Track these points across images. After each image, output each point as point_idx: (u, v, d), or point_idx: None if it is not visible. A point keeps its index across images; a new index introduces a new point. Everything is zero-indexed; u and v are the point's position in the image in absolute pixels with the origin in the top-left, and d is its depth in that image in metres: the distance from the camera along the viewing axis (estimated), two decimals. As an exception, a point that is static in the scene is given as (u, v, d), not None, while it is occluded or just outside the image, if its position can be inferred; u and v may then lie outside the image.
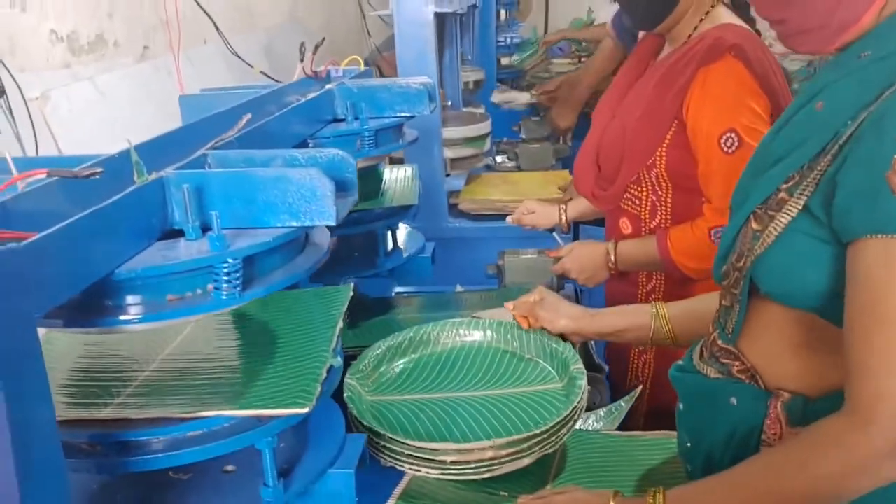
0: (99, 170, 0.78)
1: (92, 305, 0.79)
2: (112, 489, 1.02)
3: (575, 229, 2.24)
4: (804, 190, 0.86)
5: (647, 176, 1.62)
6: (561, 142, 3.13)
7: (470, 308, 1.68)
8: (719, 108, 1.50)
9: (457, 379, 1.28)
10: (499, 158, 3.01)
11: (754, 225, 0.91)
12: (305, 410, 0.87)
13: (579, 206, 1.90)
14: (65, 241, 0.70)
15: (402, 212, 1.69)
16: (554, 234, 2.00)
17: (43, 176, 0.79)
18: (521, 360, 1.31)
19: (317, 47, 1.83)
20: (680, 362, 1.09)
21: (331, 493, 1.01)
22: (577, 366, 1.23)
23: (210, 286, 0.83)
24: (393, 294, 1.94)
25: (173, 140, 1.07)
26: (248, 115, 1.10)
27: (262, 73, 3.06)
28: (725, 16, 1.60)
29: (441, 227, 2.39)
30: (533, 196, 2.44)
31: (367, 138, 1.46)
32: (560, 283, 1.80)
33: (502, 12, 4.08)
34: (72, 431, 0.84)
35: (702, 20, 1.59)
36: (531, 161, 2.89)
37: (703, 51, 1.52)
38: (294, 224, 0.87)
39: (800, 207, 0.86)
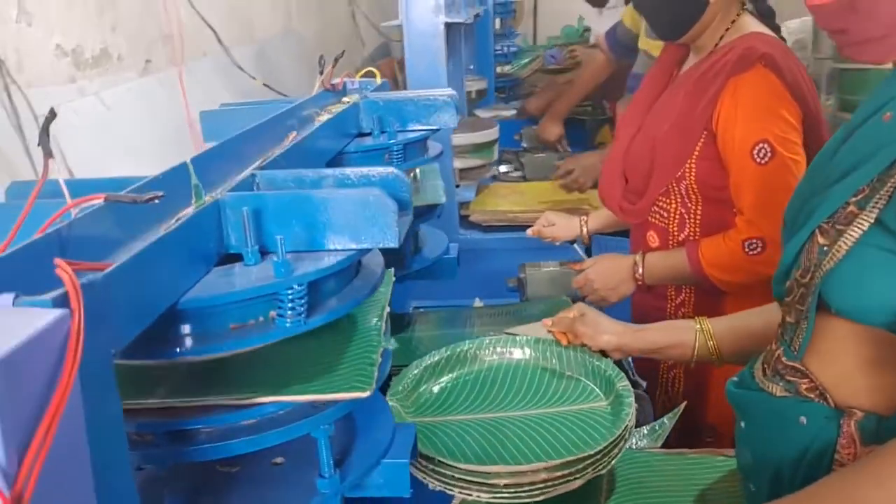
0: (160, 194, 0.74)
1: (152, 337, 0.75)
2: (158, 482, 0.98)
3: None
4: (876, 203, 0.84)
5: (676, 188, 1.60)
6: (560, 149, 3.13)
7: (495, 324, 1.65)
8: (751, 118, 1.49)
9: (499, 398, 1.25)
10: (503, 168, 3.00)
11: (821, 240, 0.89)
12: (366, 394, 0.83)
13: (600, 218, 1.89)
14: (138, 271, 0.66)
15: (428, 212, 1.65)
16: (575, 245, 1.98)
17: (100, 201, 0.75)
18: (562, 377, 1.29)
19: (336, 60, 1.80)
20: (735, 378, 1.07)
21: (386, 484, 0.97)
22: (623, 383, 1.21)
23: (273, 313, 0.80)
24: (411, 310, 1.91)
25: (212, 158, 1.04)
26: (294, 133, 1.07)
27: (265, 85, 3.04)
28: (751, 24, 1.59)
29: (453, 240, 2.36)
30: (542, 205, 2.43)
31: (395, 152, 1.43)
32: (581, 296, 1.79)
33: (498, 21, 4.06)
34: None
35: (728, 29, 1.58)
36: (536, 170, 2.88)
37: (733, 61, 1.50)
38: (355, 246, 0.84)
39: (872, 221, 0.84)
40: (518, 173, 2.93)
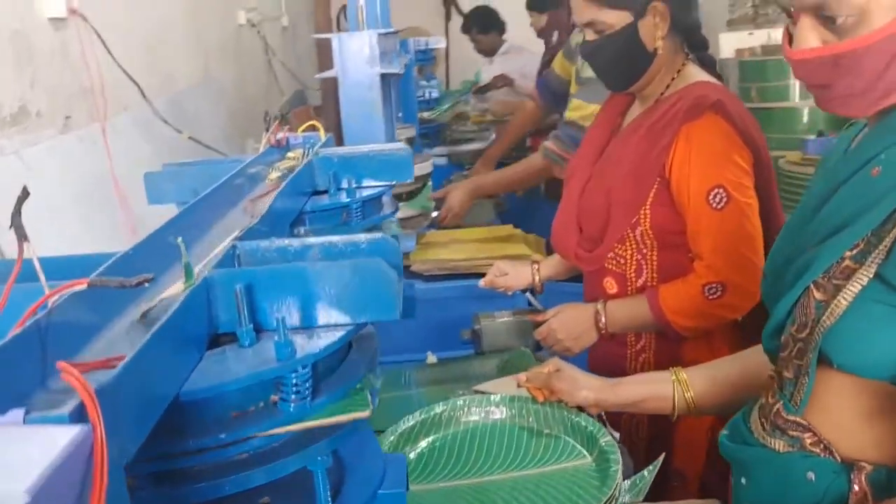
0: (150, 277, 0.69)
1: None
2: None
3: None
4: (875, 258, 0.85)
5: (631, 234, 1.61)
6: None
7: (456, 381, 1.62)
8: (705, 164, 1.51)
9: (479, 461, 1.21)
10: (435, 214, 2.98)
11: (817, 295, 0.90)
12: (367, 413, 0.77)
13: (553, 265, 1.88)
14: (144, 367, 0.60)
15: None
16: (528, 294, 1.97)
17: (83, 286, 0.69)
18: (542, 436, 1.26)
19: (283, 116, 1.76)
20: (726, 431, 1.06)
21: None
22: (606, 439, 1.19)
23: (274, 397, 0.74)
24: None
25: (177, 227, 0.98)
26: (269, 198, 1.02)
27: (190, 138, 2.95)
28: (696, 73, 1.62)
29: (396, 291, 2.33)
30: (483, 254, 2.42)
31: (354, 210, 1.39)
32: (540, 344, 1.77)
33: (417, 67, 4.08)
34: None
35: (674, 78, 1.61)
36: (472, 217, 2.87)
37: (685, 108, 1.53)
38: (353, 321, 0.79)
39: (871, 275, 0.85)
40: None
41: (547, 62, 3.39)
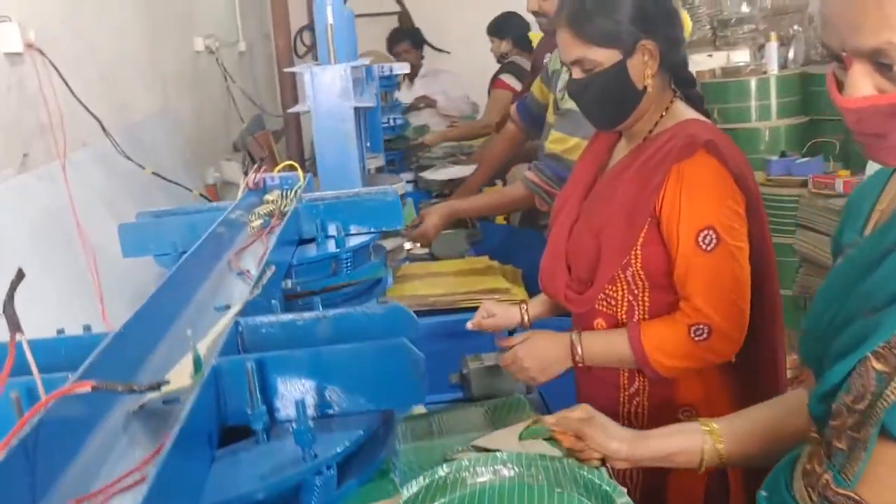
0: (164, 381, 0.62)
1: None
2: None
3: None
4: None
5: (622, 275, 1.57)
6: (469, 224, 3.08)
7: (449, 432, 1.55)
8: (695, 204, 1.49)
9: (490, 527, 1.15)
10: (408, 245, 2.91)
11: (877, 365, 0.85)
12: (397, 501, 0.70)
13: (541, 304, 1.83)
14: (166, 484, 0.53)
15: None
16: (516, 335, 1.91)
17: (87, 389, 0.62)
18: (555, 495, 1.20)
19: (262, 160, 1.69)
20: (765, 493, 1.01)
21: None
22: (623, 499, 1.14)
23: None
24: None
25: (167, 297, 0.91)
26: (273, 269, 0.95)
27: (154, 173, 2.85)
28: (685, 110, 1.60)
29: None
30: (462, 288, 2.36)
31: (344, 261, 1.33)
32: (531, 387, 1.72)
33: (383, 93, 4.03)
34: None
35: (662, 116, 1.58)
36: (445, 248, 2.81)
37: (677, 147, 1.50)
38: (377, 408, 0.73)
39: None
40: (425, 251, 2.85)
41: (525, 87, 3.34)
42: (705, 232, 1.48)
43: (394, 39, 5.41)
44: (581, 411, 1.28)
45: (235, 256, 1.18)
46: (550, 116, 2.58)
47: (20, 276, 0.63)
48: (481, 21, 5.52)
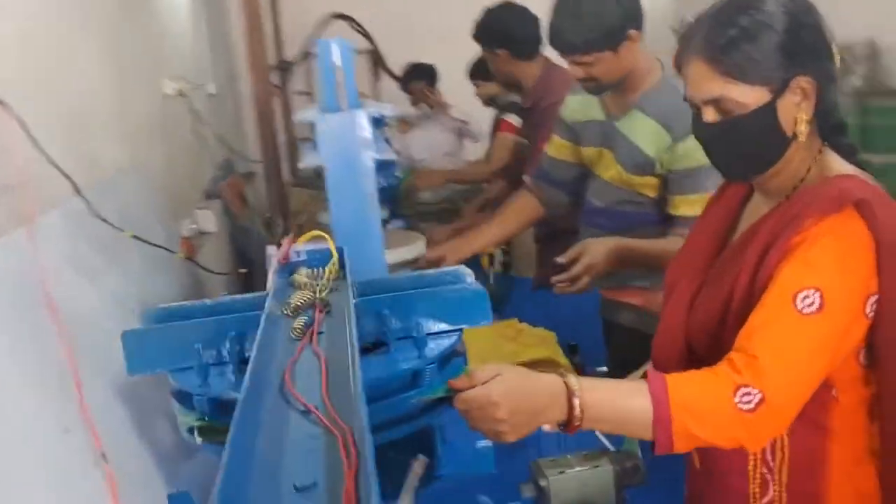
0: None
1: None
2: None
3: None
4: None
5: None
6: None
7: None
8: (812, 258, 1.22)
9: None
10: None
11: None
12: None
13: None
14: None
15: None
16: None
17: None
18: None
19: (286, 231, 1.39)
20: None
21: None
22: None
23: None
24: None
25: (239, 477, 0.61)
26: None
27: (134, 237, 2.53)
28: (838, 163, 1.34)
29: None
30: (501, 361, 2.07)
31: (427, 373, 1.03)
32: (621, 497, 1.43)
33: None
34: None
35: (810, 169, 1.32)
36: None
37: (823, 202, 1.24)
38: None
39: None
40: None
41: (526, 136, 3.04)
42: (809, 293, 1.21)
43: (409, 76, 5.01)
44: None
45: (292, 381, 0.88)
46: (606, 172, 2.29)
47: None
48: (456, 61, 5.30)
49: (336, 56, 2.00)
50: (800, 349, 1.23)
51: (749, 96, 1.25)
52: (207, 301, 1.20)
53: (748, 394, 1.20)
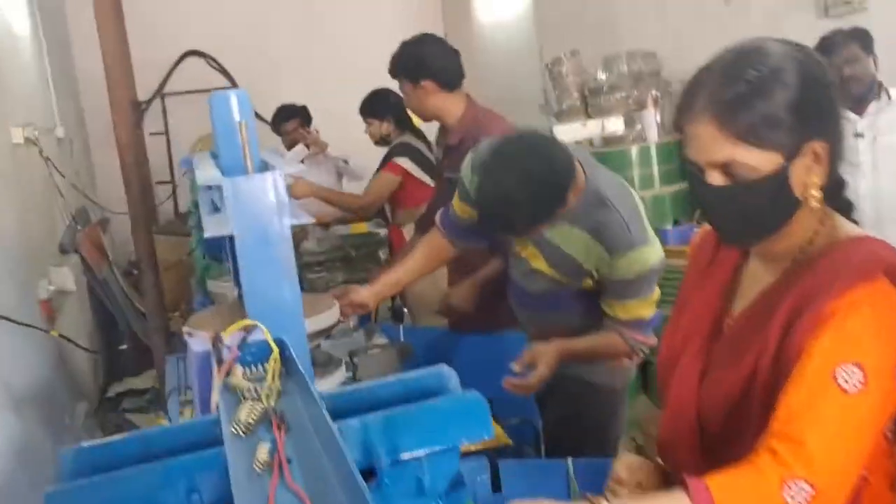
0: None
1: None
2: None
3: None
4: None
5: None
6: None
7: None
8: (848, 332, 1.13)
9: None
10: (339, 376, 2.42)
11: None
12: None
13: None
14: None
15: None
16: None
17: None
18: None
19: (244, 338, 1.19)
20: None
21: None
22: None
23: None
24: None
25: None
26: None
27: (3, 317, 2.23)
28: (849, 226, 1.26)
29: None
30: None
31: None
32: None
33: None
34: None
35: (817, 232, 1.24)
36: (373, 371, 2.37)
37: (852, 269, 1.16)
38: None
39: None
40: (347, 374, 2.38)
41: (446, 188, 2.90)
42: (850, 368, 1.12)
43: (282, 117, 4.79)
44: None
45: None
46: (534, 261, 2.19)
47: None
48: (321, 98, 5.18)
49: (234, 110, 1.82)
50: (848, 432, 1.14)
51: (761, 161, 1.15)
52: (140, 435, 0.99)
53: (797, 487, 1.11)
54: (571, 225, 2.07)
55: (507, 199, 1.92)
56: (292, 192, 3.96)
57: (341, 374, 2.08)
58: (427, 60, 2.78)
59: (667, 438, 1.32)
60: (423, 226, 2.98)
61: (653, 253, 2.05)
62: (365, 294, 2.37)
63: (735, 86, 1.14)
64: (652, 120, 4.11)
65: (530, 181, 1.91)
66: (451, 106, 2.79)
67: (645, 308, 2.12)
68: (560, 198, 1.97)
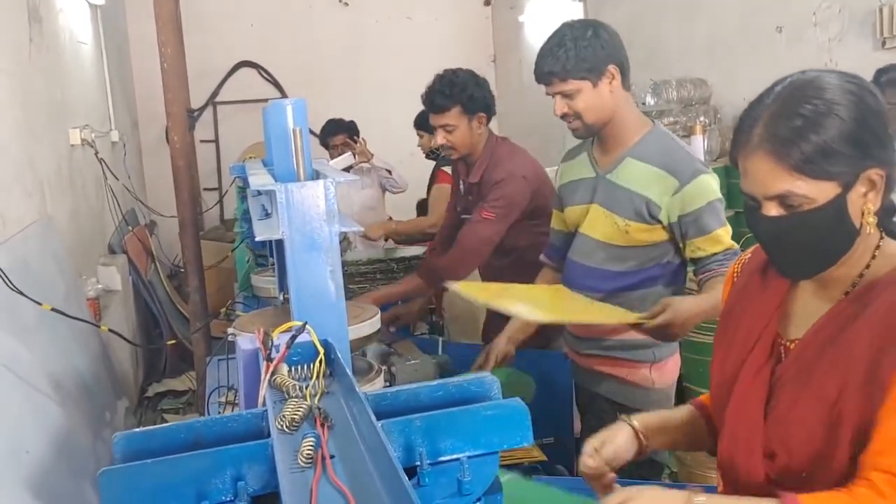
0: None
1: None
2: None
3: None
4: None
5: None
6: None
7: None
8: None
9: None
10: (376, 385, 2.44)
11: None
12: None
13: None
14: None
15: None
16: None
17: None
18: None
19: (293, 337, 1.23)
20: None
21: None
22: None
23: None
24: None
25: None
26: None
27: (53, 309, 2.29)
28: None
29: None
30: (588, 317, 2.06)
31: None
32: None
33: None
34: None
35: (874, 257, 1.24)
36: (411, 376, 2.39)
37: None
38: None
39: None
40: (385, 384, 2.41)
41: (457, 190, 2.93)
42: None
43: (330, 130, 4.86)
44: None
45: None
46: (593, 230, 2.18)
47: None
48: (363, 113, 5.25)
49: (289, 118, 1.86)
50: None
51: (818, 191, 1.15)
52: (185, 426, 1.02)
53: None
54: (638, 160, 2.09)
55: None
56: (369, 234, 4.07)
57: (380, 382, 2.10)
58: (486, 94, 2.78)
59: (727, 459, 1.32)
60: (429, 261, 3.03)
61: (714, 181, 2.07)
62: (502, 343, 2.39)
63: (791, 120, 1.15)
64: (700, 146, 4.08)
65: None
66: (474, 139, 2.78)
67: (729, 237, 2.07)
68: (601, 60, 2.10)
